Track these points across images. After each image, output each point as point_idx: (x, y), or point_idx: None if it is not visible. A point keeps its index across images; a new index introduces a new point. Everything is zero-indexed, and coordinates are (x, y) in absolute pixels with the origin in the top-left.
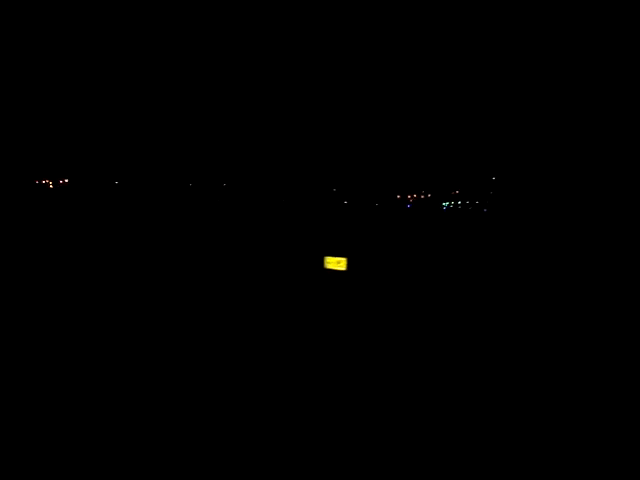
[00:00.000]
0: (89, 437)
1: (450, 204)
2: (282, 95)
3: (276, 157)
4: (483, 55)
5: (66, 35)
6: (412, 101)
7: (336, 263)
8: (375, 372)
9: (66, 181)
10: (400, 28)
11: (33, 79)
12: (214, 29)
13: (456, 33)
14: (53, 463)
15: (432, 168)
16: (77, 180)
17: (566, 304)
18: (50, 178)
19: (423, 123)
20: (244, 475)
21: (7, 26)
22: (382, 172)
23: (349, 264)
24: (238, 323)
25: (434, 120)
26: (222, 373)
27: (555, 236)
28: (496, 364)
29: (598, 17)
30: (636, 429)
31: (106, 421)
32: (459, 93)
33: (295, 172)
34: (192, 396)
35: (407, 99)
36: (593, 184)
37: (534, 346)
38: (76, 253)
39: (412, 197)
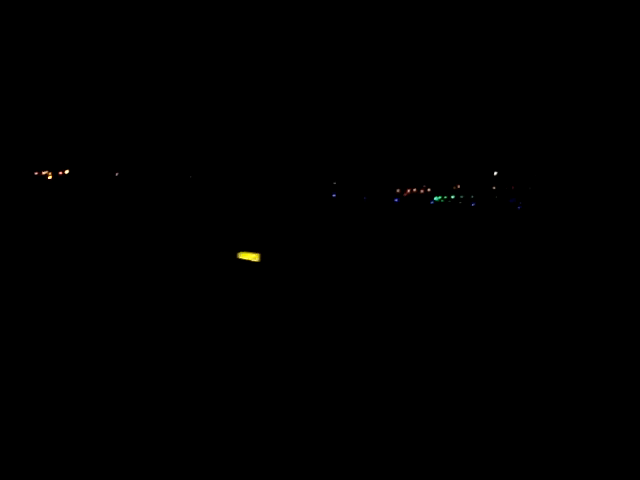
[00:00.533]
0: (89, 437)
1: (442, 198)
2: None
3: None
4: (470, 51)
5: (64, 28)
6: (396, 92)
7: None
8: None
9: (66, 172)
10: (391, 25)
11: (31, 71)
12: (214, 28)
13: (447, 30)
14: (53, 463)
15: (422, 161)
16: (77, 171)
17: (552, 306)
18: (49, 169)
19: (410, 117)
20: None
21: (6, 22)
22: (370, 165)
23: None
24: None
25: (421, 114)
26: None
27: (545, 234)
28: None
29: (598, 17)
30: (636, 429)
31: (101, 421)
32: (445, 86)
33: (287, 167)
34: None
35: (389, 90)
36: (586, 181)
37: (504, 357)
38: (76, 245)
39: (404, 191)
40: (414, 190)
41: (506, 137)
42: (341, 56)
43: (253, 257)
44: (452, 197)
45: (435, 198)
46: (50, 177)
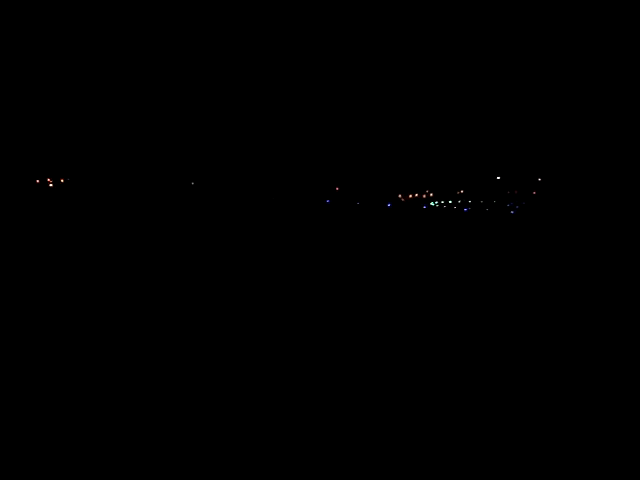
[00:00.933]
0: (89, 437)
1: (436, 203)
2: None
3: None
4: (464, 54)
5: (66, 33)
6: (390, 97)
7: None
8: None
9: (68, 179)
10: (396, 28)
11: (33, 78)
12: (214, 29)
13: (450, 32)
14: (53, 463)
15: (416, 167)
16: (78, 179)
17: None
18: (51, 177)
19: (405, 121)
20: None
21: (7, 26)
22: (364, 171)
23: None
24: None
25: (415, 118)
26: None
27: (539, 239)
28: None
29: (598, 19)
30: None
31: (105, 421)
32: (440, 89)
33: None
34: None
35: (384, 95)
36: (585, 187)
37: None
38: (77, 251)
39: (400, 196)
40: (409, 196)
41: (504, 144)
42: (338, 61)
43: None
44: (449, 202)
45: (431, 203)
46: (51, 184)
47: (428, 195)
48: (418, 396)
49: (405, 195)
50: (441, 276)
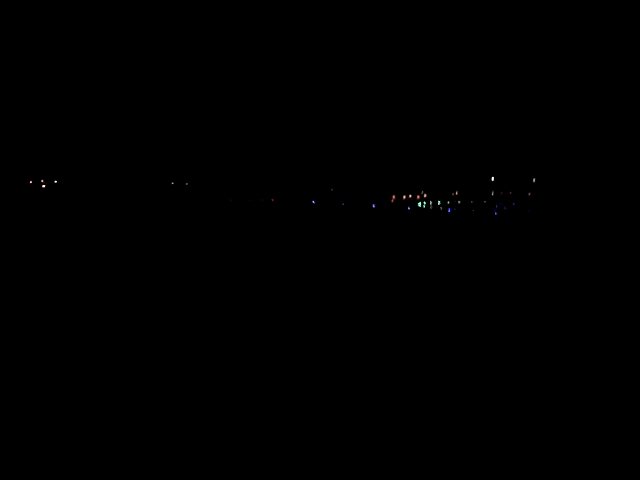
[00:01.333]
0: (89, 437)
1: (422, 204)
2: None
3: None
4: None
5: (58, 34)
6: (375, 99)
7: None
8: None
9: (61, 181)
10: (392, 29)
11: (26, 80)
12: (213, 29)
13: (438, 34)
14: (53, 463)
15: (402, 169)
16: (71, 180)
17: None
18: (43, 178)
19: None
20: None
21: (3, 34)
22: (349, 172)
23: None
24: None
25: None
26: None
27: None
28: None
29: (598, 20)
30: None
31: (106, 421)
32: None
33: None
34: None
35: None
36: (574, 187)
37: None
38: (70, 253)
39: (389, 197)
40: (403, 197)
41: (498, 143)
42: (330, 64)
43: None
44: (438, 203)
45: (418, 204)
46: (44, 185)
47: (422, 196)
48: (404, 394)
49: (395, 196)
50: (430, 277)
